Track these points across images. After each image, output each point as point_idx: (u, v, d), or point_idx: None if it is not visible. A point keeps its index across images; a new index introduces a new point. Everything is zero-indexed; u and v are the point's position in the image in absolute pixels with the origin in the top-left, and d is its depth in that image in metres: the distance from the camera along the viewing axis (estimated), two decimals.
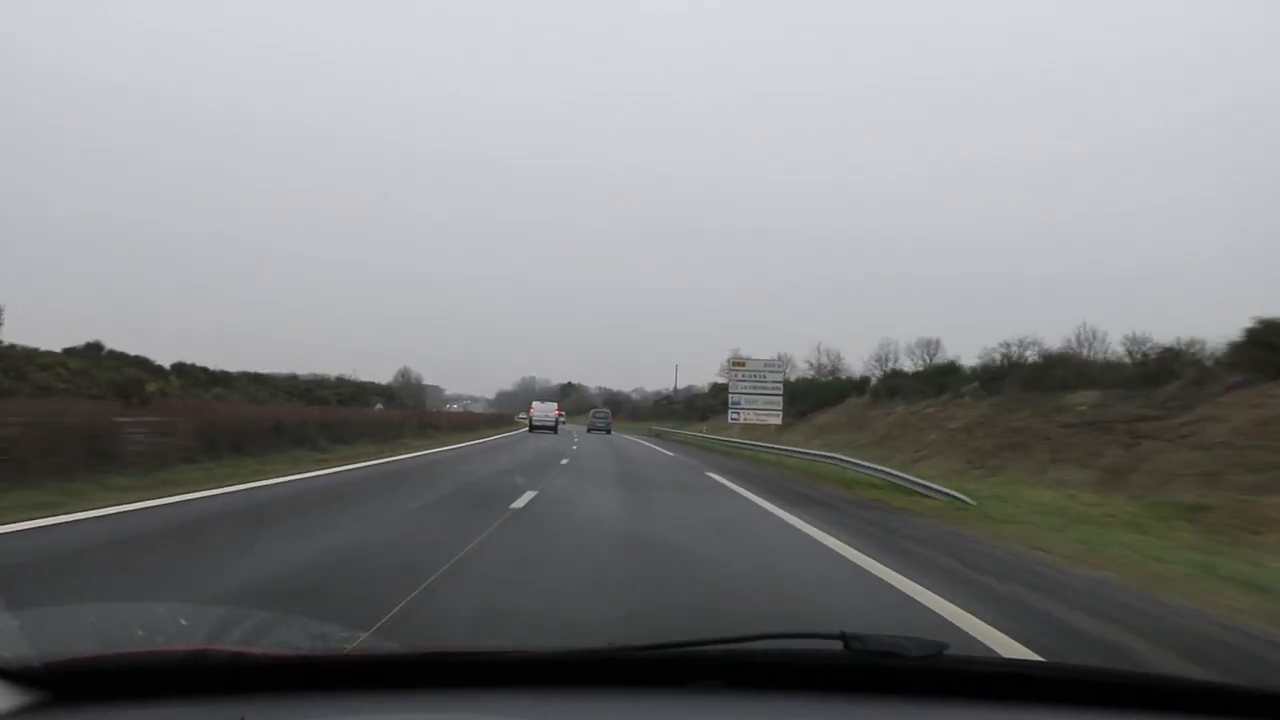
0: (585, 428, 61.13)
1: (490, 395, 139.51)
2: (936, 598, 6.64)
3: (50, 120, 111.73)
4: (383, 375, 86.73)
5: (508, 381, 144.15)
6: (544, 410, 58.04)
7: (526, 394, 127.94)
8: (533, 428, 53.82)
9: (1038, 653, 5.04)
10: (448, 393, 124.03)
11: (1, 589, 5.03)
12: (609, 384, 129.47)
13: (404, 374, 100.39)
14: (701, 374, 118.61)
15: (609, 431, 57.75)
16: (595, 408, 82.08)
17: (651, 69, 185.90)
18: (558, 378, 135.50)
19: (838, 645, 1.72)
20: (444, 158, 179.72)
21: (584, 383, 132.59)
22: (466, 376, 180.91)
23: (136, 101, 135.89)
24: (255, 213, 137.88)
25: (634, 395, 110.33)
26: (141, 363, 43.29)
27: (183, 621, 2.19)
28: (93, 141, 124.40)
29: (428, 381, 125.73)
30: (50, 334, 64.18)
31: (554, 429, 53.21)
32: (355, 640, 2.28)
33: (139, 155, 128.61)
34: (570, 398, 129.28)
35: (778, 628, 1.83)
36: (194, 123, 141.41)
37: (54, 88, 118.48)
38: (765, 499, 14.75)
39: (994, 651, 4.96)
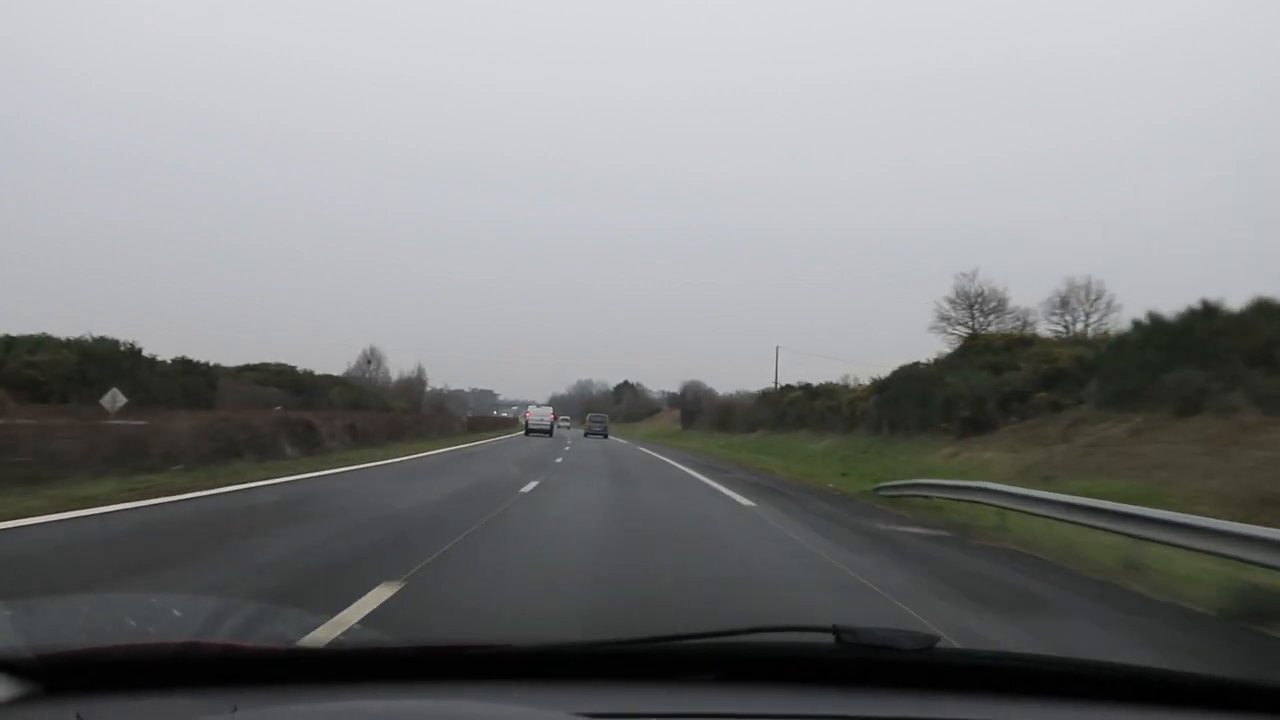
0: (584, 432, 62.99)
1: (542, 400, 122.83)
2: None
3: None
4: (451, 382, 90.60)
5: (562, 385, 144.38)
6: (539, 415, 61.91)
7: (581, 397, 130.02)
8: (528, 431, 57.03)
9: None
10: (501, 398, 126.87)
11: None
12: (669, 386, 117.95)
13: (370, 356, 79.47)
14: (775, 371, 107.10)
15: (605, 436, 58.55)
16: (592, 412, 78.82)
17: (695, 68, 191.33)
18: (615, 379, 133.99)
19: (829, 639, 1.72)
20: (489, 163, 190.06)
21: (644, 383, 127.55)
22: (523, 382, 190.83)
23: (130, 103, 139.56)
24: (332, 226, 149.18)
25: (717, 392, 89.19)
26: None
27: (175, 613, 2.17)
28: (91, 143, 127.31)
29: (482, 386, 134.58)
30: None
31: (549, 432, 56.64)
32: (349, 632, 2.46)
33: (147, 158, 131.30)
34: (623, 401, 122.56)
35: (770, 621, 1.84)
36: (210, 128, 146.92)
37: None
38: None
39: None
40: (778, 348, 69.63)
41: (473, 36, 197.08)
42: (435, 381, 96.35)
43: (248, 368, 48.34)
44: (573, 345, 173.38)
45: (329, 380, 59.51)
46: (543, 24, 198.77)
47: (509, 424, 72.07)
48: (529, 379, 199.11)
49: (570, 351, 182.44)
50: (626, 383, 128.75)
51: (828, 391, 43.03)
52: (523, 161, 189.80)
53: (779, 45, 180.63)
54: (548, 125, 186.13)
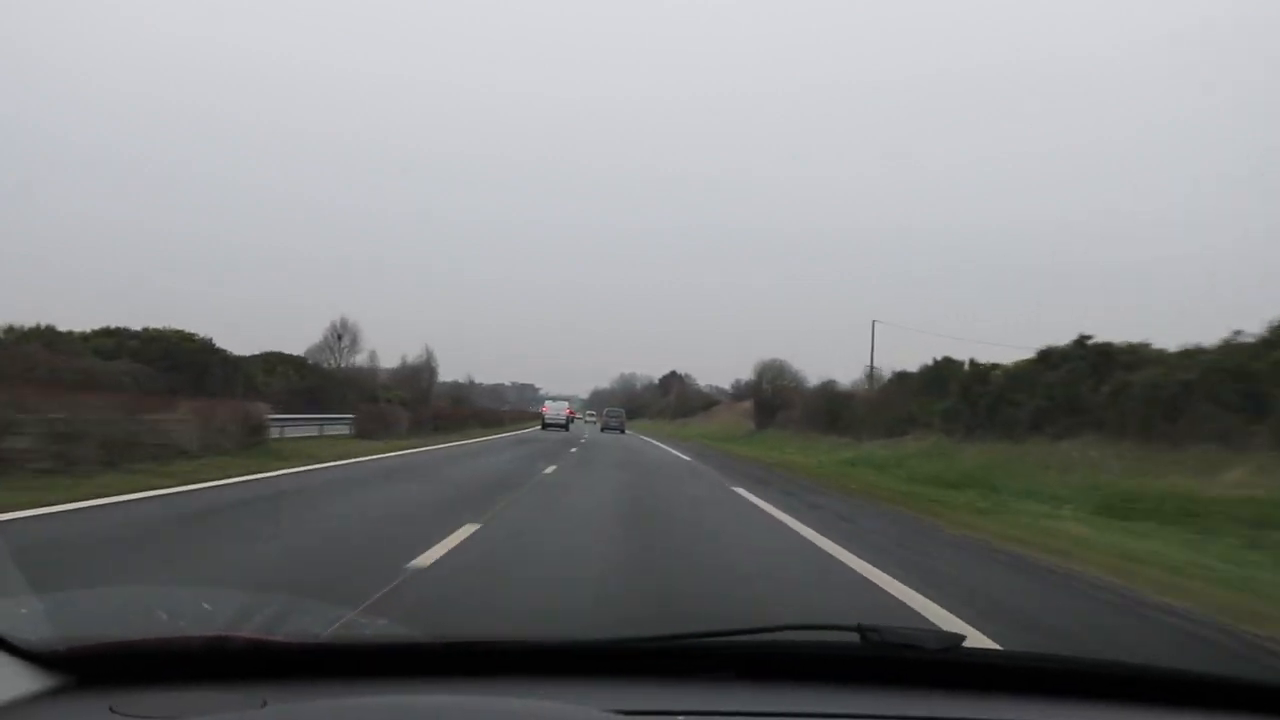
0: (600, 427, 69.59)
1: (585, 395, 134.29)
2: None
3: None
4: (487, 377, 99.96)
5: (605, 380, 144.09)
6: (555, 410, 65.49)
7: (624, 391, 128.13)
8: (545, 425, 61.76)
9: None
10: (542, 392, 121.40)
11: (25, 571, 5.01)
12: (720, 380, 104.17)
13: (340, 330, 56.41)
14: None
15: (623, 431, 63.30)
16: (609, 407, 79.32)
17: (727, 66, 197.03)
18: (660, 373, 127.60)
19: (854, 637, 1.82)
20: (539, 166, 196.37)
21: (693, 375, 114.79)
22: (566, 377, 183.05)
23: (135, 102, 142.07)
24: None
25: (808, 379, 65.46)
26: None
27: (205, 606, 2.34)
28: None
29: (523, 381, 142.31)
30: None
31: (565, 427, 61.06)
32: (374, 627, 2.53)
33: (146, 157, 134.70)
34: (672, 393, 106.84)
35: (793, 619, 2.07)
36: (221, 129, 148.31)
37: None
38: None
39: None
40: (874, 322, 53.98)
41: (508, 39, 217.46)
42: (454, 373, 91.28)
43: (104, 332, 28.38)
44: (617, 341, 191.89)
45: (271, 359, 40.03)
46: (557, 25, 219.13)
47: (526, 419, 76.62)
48: (572, 374, 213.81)
49: (614, 347, 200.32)
50: (674, 373, 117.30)
51: (1154, 358, 21.45)
52: (566, 161, 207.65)
53: (809, 42, 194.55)
54: (553, 124, 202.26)
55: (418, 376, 77.32)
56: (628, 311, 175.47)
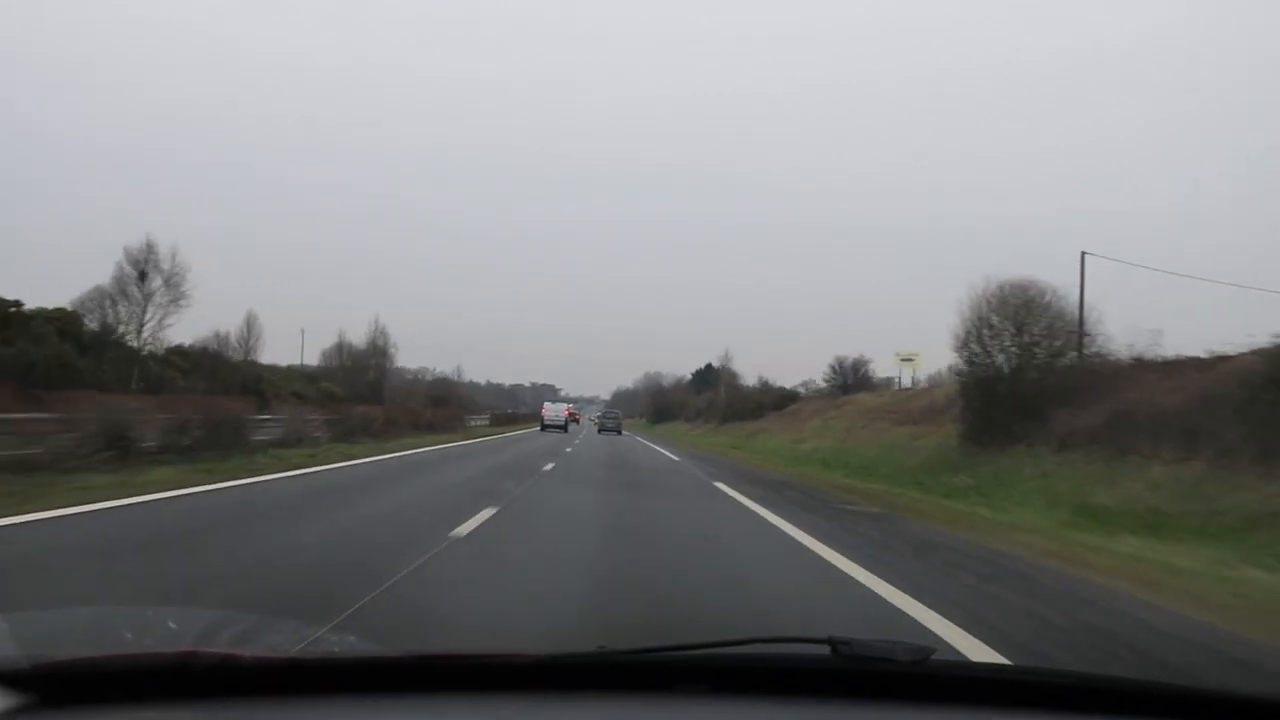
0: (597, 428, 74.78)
1: (607, 395, 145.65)
2: None
3: None
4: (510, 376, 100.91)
5: (629, 379, 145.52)
6: (554, 411, 66.26)
7: (650, 390, 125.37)
8: (544, 427, 63.62)
9: None
10: (563, 393, 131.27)
11: None
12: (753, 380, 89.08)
13: (142, 262, 30.46)
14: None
15: (619, 432, 64.20)
16: (606, 409, 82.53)
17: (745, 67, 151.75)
18: (688, 370, 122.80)
19: (825, 650, 1.87)
20: (571, 164, 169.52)
21: (736, 369, 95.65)
22: (589, 377, 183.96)
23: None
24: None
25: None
26: None
27: (171, 625, 2.35)
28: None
29: (542, 381, 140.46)
30: None
31: (564, 428, 63.55)
32: (343, 643, 2.55)
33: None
34: (719, 387, 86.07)
35: (765, 632, 2.14)
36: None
37: None
38: None
39: None
40: (1084, 254, 33.44)
41: (540, 39, 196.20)
42: (484, 374, 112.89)
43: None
44: (641, 340, 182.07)
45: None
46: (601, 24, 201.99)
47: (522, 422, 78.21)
48: (596, 374, 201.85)
49: (640, 346, 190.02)
50: (710, 366, 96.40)
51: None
52: (579, 158, 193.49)
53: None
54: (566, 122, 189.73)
55: (363, 366, 52.18)
56: (651, 310, 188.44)
